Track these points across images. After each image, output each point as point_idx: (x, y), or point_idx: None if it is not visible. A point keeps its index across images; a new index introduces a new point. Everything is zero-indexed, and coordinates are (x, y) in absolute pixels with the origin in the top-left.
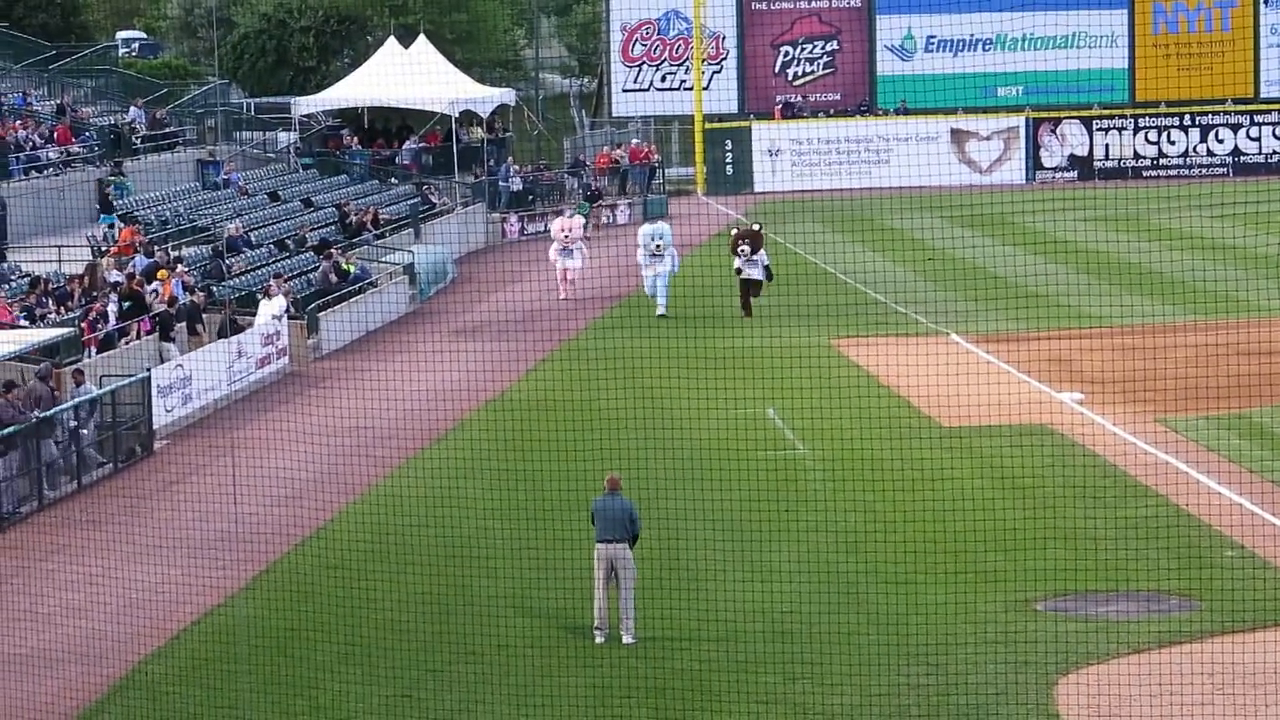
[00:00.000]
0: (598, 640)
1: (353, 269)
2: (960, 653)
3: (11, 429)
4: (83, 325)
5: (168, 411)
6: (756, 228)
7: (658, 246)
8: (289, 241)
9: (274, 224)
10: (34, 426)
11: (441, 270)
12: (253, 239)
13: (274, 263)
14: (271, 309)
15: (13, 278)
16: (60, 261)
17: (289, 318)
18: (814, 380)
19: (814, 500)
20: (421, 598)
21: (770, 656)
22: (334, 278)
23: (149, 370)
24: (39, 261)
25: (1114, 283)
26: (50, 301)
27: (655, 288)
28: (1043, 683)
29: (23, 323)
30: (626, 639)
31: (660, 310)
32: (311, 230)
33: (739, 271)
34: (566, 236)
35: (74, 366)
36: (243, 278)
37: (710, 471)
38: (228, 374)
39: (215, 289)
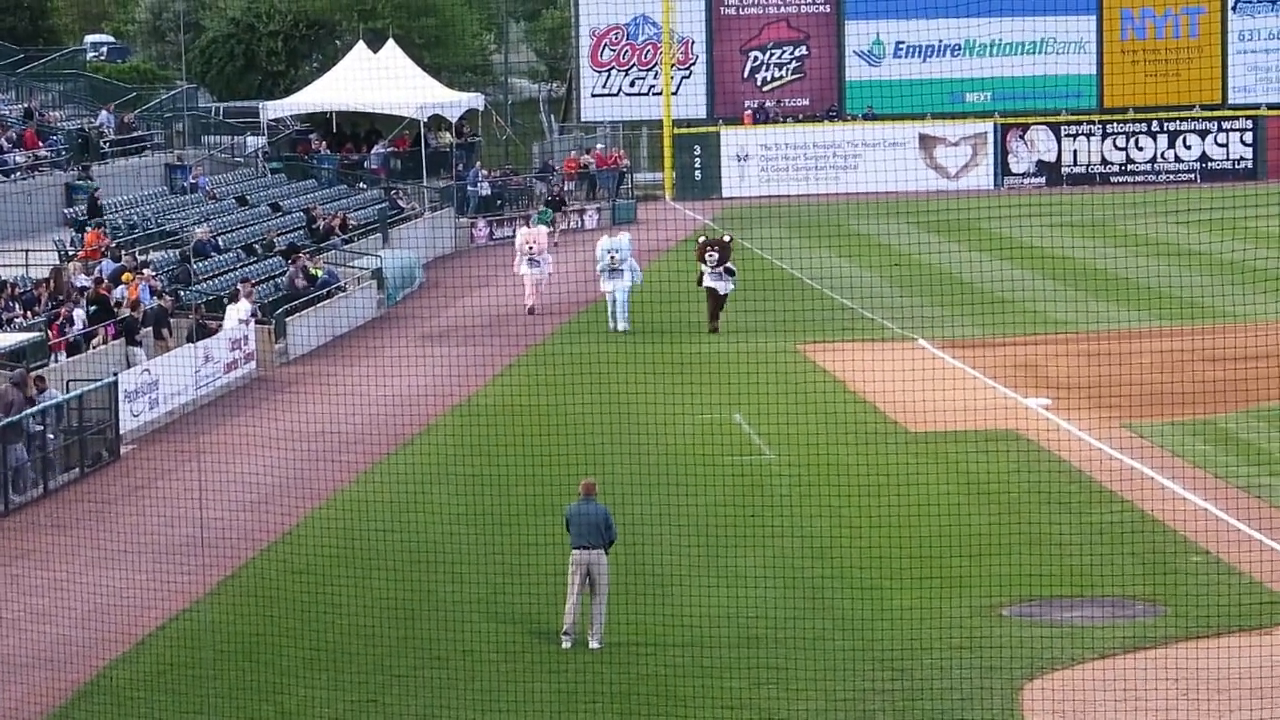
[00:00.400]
0: (564, 645)
1: (320, 274)
2: (926, 658)
3: None
4: (50, 330)
5: (134, 416)
6: (726, 238)
7: (612, 259)
8: (257, 246)
9: (242, 228)
10: (0, 431)
11: (409, 275)
12: (221, 243)
13: (241, 267)
14: (238, 313)
15: None
16: (27, 266)
17: (256, 322)
18: (781, 386)
19: (781, 505)
20: (387, 603)
21: (737, 661)
22: (301, 282)
23: (116, 375)
24: (5, 266)
25: (1081, 288)
26: (17, 306)
27: (614, 305)
28: (1009, 688)
29: None
30: (594, 644)
31: (622, 327)
32: (279, 235)
33: (701, 281)
34: (532, 247)
35: (36, 373)
36: (210, 282)
37: (677, 477)
38: (195, 379)
39: (183, 293)
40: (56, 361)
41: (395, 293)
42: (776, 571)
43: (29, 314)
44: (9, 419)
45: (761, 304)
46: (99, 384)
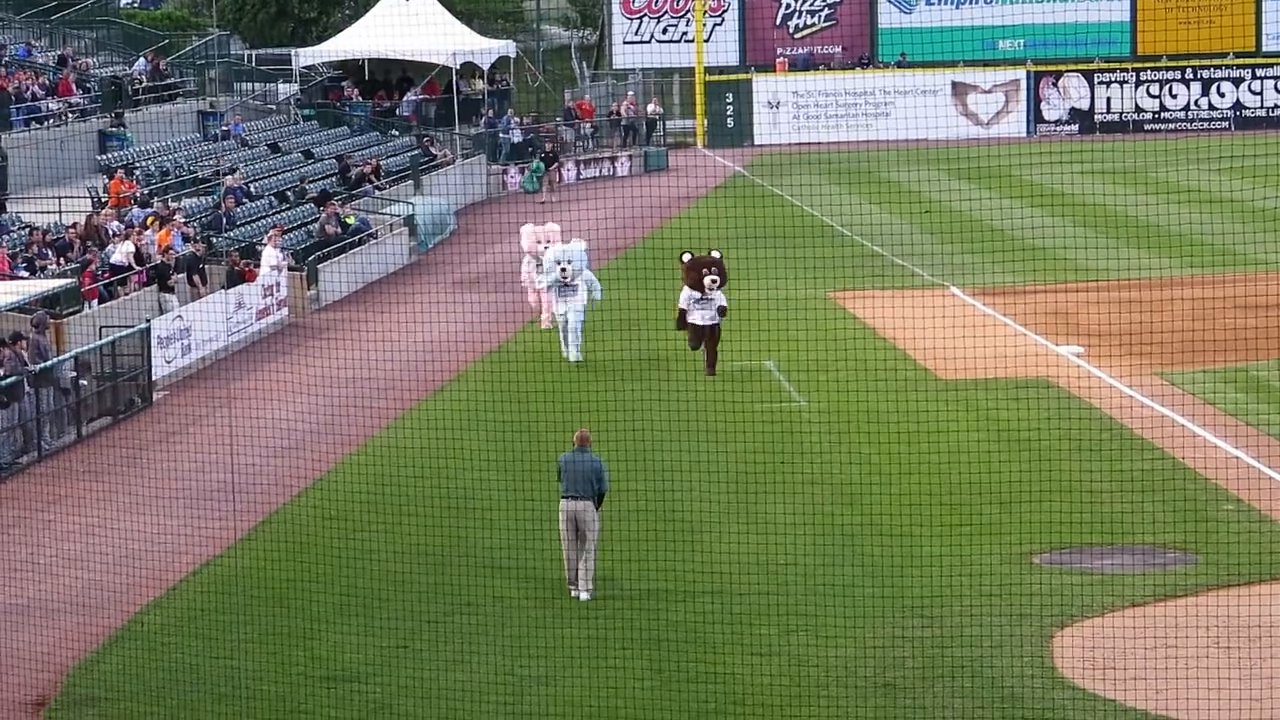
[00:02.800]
0: (581, 597)
1: (353, 221)
2: (957, 605)
3: (11, 379)
4: (82, 276)
5: (167, 363)
6: (717, 254)
7: (563, 272)
8: (289, 193)
9: (274, 175)
10: (33, 377)
11: (441, 222)
12: (253, 190)
13: (274, 214)
14: (269, 260)
15: (13, 229)
16: (60, 213)
17: (288, 269)
18: (813, 333)
19: (812, 453)
20: (419, 549)
21: (767, 608)
22: (334, 229)
23: (148, 321)
24: (38, 212)
25: (1114, 235)
26: (50, 252)
27: (565, 329)
28: (1040, 636)
29: (23, 274)
30: (583, 595)
31: (574, 356)
32: (311, 182)
33: (682, 318)
34: (546, 248)
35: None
36: (243, 229)
37: (709, 424)
38: (227, 325)
39: (215, 240)
40: (89, 308)
41: (427, 240)
42: (807, 519)
43: (61, 260)
44: (42, 365)
45: (793, 251)
46: (131, 330)
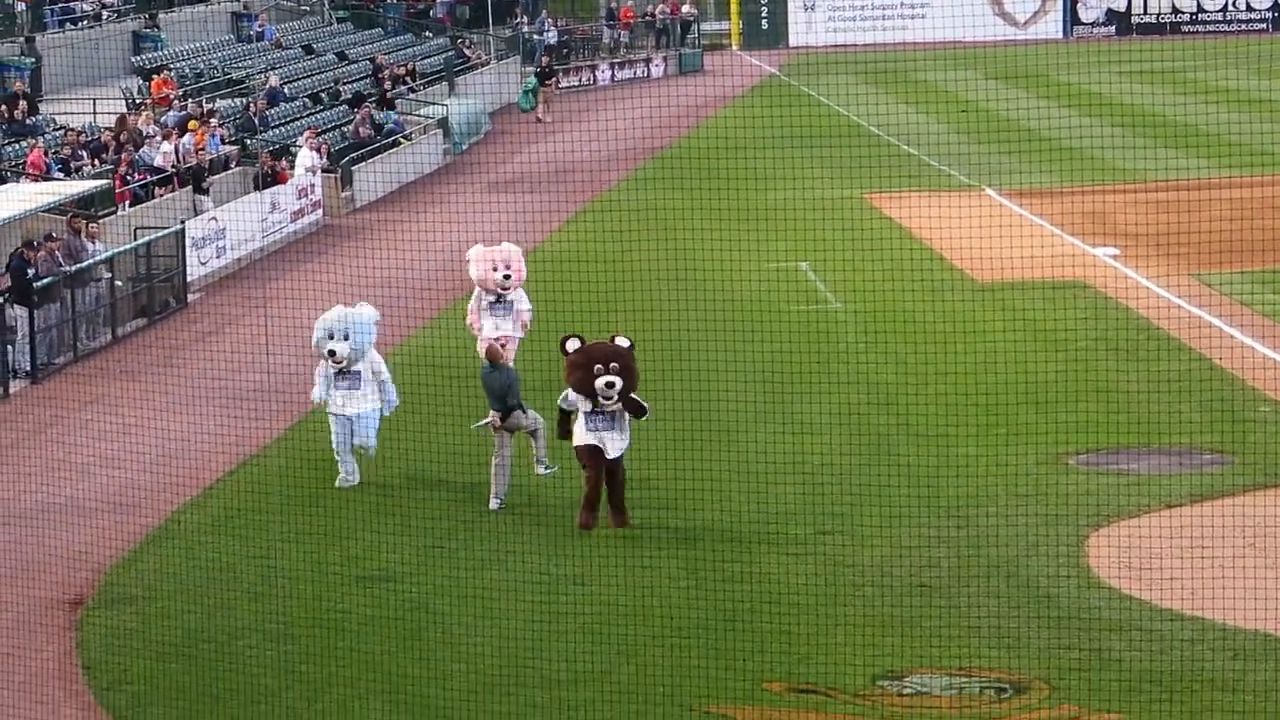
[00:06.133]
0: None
1: (385, 118)
2: (991, 507)
3: (46, 280)
4: (116, 178)
5: (202, 264)
6: (626, 342)
7: (334, 356)
8: (323, 95)
9: (308, 77)
10: (68, 278)
11: (476, 124)
12: (287, 92)
13: (307, 116)
14: (304, 161)
15: (47, 130)
16: (94, 114)
17: (322, 171)
18: (848, 235)
19: (847, 354)
20: (454, 450)
21: (801, 510)
22: (367, 131)
23: (183, 223)
24: (73, 114)
25: (1150, 137)
26: (85, 154)
27: (342, 437)
28: (1074, 537)
29: (57, 175)
30: (541, 470)
31: (351, 479)
32: (346, 84)
33: (568, 428)
34: (503, 278)
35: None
36: (276, 131)
37: (744, 326)
38: (261, 227)
39: (249, 142)
40: (124, 210)
41: (461, 141)
42: (841, 420)
43: (96, 162)
44: (77, 266)
45: (828, 153)
46: (166, 232)
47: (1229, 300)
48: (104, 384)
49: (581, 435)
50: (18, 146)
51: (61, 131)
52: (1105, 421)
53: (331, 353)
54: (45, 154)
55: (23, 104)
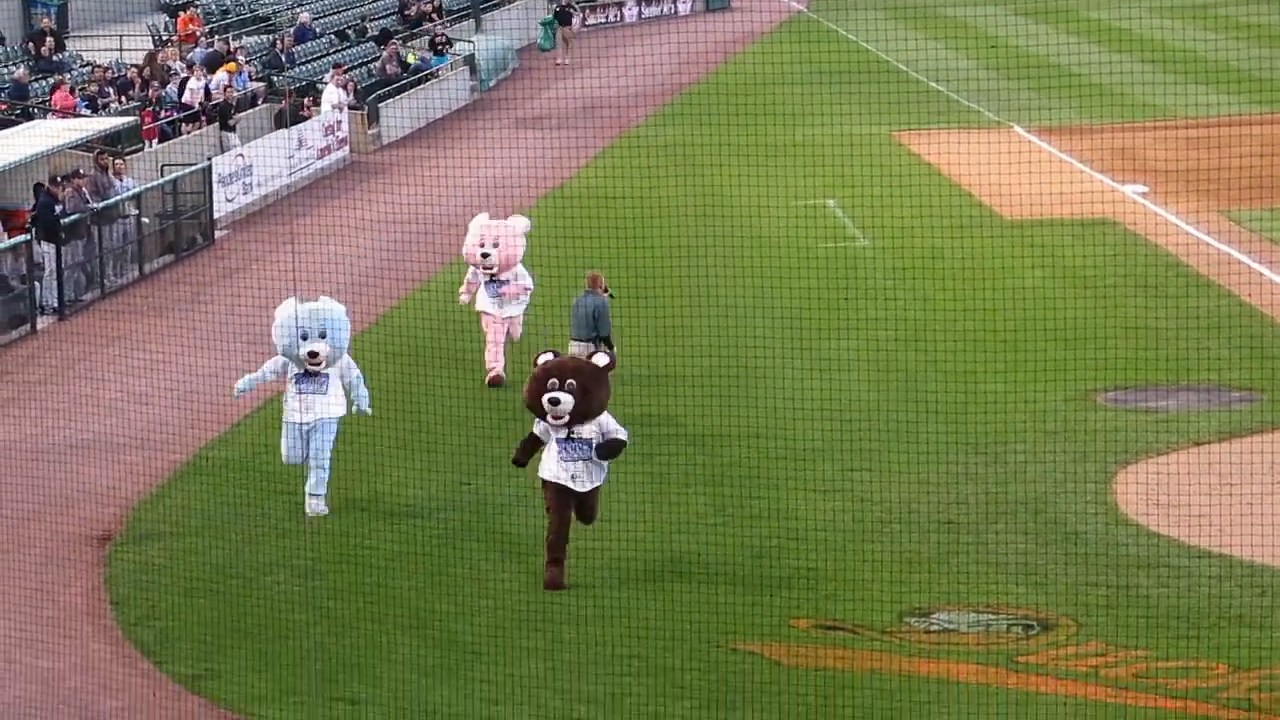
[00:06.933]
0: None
1: (414, 60)
2: (1019, 444)
3: (74, 216)
4: (143, 115)
5: (228, 201)
6: (605, 360)
7: (314, 358)
8: (350, 32)
9: (335, 14)
10: (95, 215)
11: (503, 61)
12: (315, 29)
13: (334, 53)
14: (331, 98)
15: (74, 66)
16: (121, 50)
17: (349, 108)
18: (875, 172)
19: (874, 292)
20: (481, 387)
21: (828, 447)
22: (394, 68)
23: (210, 160)
24: (100, 50)
25: (1180, 73)
26: (111, 90)
27: (296, 451)
28: (1102, 474)
29: (84, 112)
30: None
31: (319, 509)
32: (372, 20)
33: (527, 448)
34: (488, 255)
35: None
36: (302, 68)
37: (771, 263)
38: (288, 164)
39: (275, 79)
40: (150, 146)
41: (488, 78)
42: (869, 358)
43: (123, 99)
44: (104, 202)
45: (856, 90)
46: (193, 168)
47: (1258, 237)
48: (131, 321)
49: (549, 467)
50: (45, 83)
51: (88, 68)
52: (1133, 359)
53: (313, 354)
54: (72, 91)
55: (50, 41)
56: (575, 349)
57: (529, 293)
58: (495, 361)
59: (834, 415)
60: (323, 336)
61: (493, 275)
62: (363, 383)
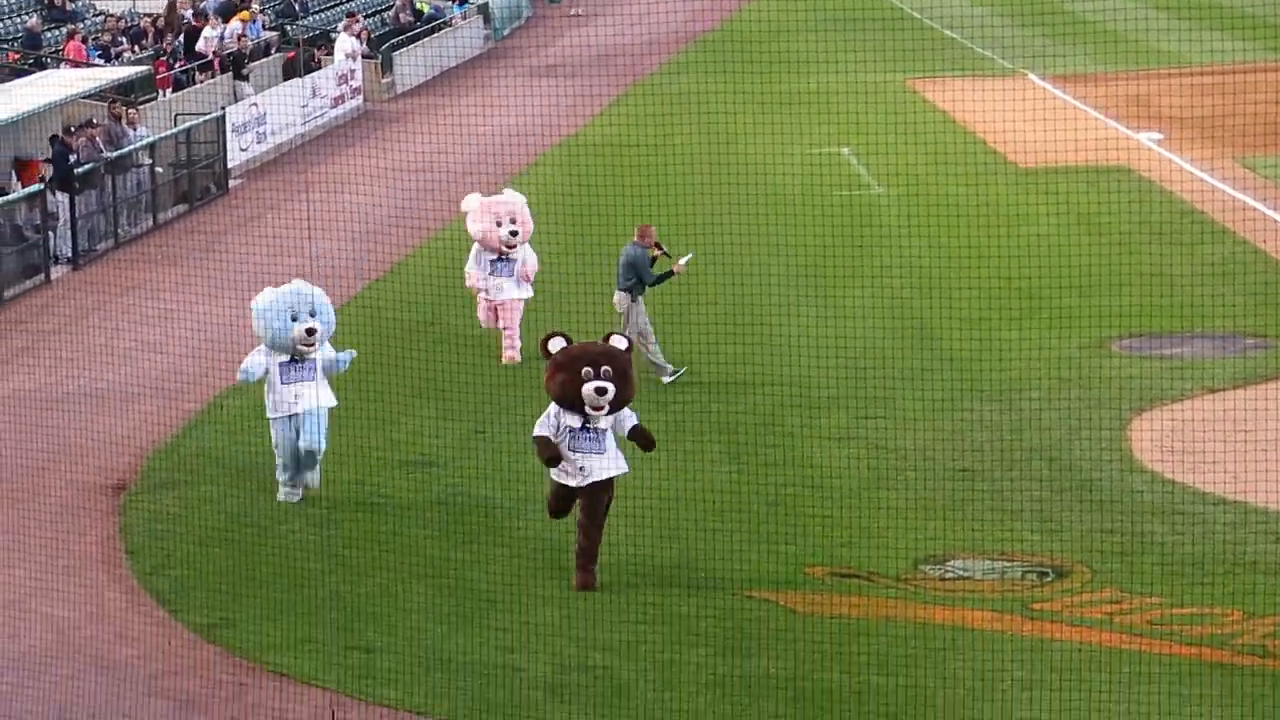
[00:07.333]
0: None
1: (427, 8)
2: (1034, 392)
3: (88, 166)
4: (157, 65)
5: (242, 150)
6: (625, 344)
7: (310, 335)
8: None
9: None
10: (108, 164)
11: (516, 9)
12: None
13: (347, 2)
14: (344, 47)
15: (88, 16)
16: (134, 0)
17: (363, 57)
18: (889, 120)
19: (889, 240)
20: (495, 336)
21: (843, 395)
22: (407, 17)
23: (223, 109)
24: (113, 0)
25: (1194, 19)
26: (125, 40)
27: (288, 445)
28: (1117, 422)
29: (98, 61)
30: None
31: (294, 495)
32: None
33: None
34: (508, 234)
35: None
36: (316, 16)
37: (785, 211)
38: (302, 113)
39: (289, 28)
40: (164, 96)
41: (502, 27)
42: (883, 306)
43: (136, 48)
44: (117, 151)
45: (870, 37)
46: (206, 118)
47: (1272, 184)
48: (145, 270)
49: (562, 475)
50: (58, 33)
51: (101, 18)
52: (1148, 306)
53: (310, 330)
54: (85, 41)
55: None
56: (616, 296)
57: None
58: (515, 343)
59: (848, 363)
60: (313, 315)
61: (504, 255)
62: (347, 362)
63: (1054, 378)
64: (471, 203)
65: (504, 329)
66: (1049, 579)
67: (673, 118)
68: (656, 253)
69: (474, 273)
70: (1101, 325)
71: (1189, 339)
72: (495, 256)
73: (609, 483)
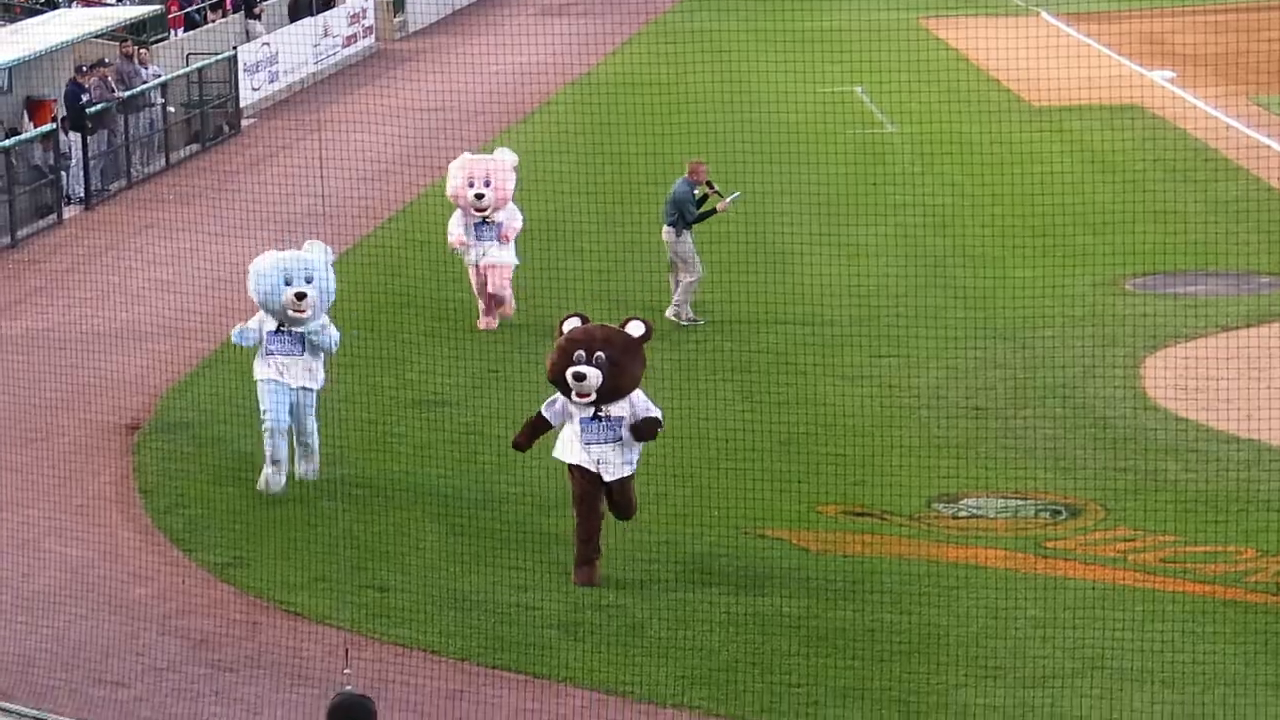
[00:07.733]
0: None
1: None
2: (1047, 330)
3: (100, 106)
4: (168, 4)
5: (254, 90)
6: (640, 329)
7: (301, 299)
8: None
9: None
10: (121, 104)
11: None
12: None
13: None
14: None
15: None
16: None
17: None
18: (903, 59)
19: (902, 178)
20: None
21: (856, 334)
22: None
23: (235, 48)
24: None
25: None
26: None
27: (279, 415)
28: (1130, 360)
29: (109, 0)
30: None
31: (277, 482)
32: None
33: (533, 429)
34: (479, 195)
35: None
36: None
37: (799, 149)
38: (314, 52)
39: None
40: (175, 35)
41: None
42: (897, 245)
43: None
44: (130, 91)
45: None
46: (218, 57)
47: None
48: (158, 210)
49: (570, 449)
50: None
51: None
52: (1161, 245)
53: (300, 295)
54: None
55: None
56: (663, 230)
57: (517, 234)
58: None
59: (862, 301)
60: (309, 282)
61: (485, 217)
62: (334, 341)
63: (1067, 316)
64: (455, 162)
65: (493, 295)
66: (1062, 517)
67: (687, 56)
68: (708, 190)
69: (456, 233)
70: (1115, 263)
71: (1202, 277)
72: (479, 220)
73: (627, 482)
